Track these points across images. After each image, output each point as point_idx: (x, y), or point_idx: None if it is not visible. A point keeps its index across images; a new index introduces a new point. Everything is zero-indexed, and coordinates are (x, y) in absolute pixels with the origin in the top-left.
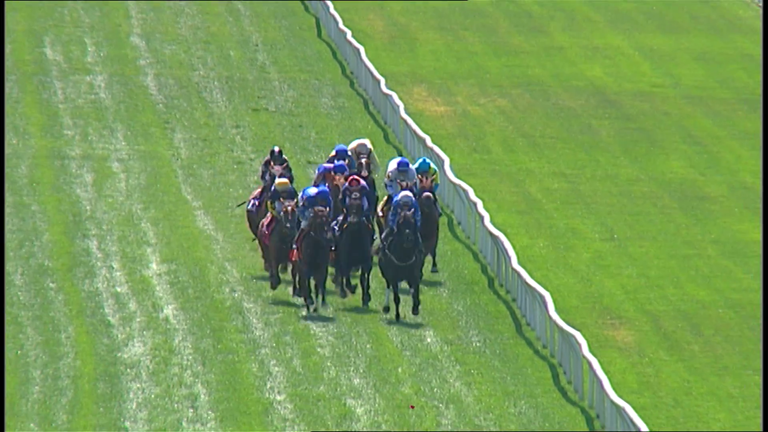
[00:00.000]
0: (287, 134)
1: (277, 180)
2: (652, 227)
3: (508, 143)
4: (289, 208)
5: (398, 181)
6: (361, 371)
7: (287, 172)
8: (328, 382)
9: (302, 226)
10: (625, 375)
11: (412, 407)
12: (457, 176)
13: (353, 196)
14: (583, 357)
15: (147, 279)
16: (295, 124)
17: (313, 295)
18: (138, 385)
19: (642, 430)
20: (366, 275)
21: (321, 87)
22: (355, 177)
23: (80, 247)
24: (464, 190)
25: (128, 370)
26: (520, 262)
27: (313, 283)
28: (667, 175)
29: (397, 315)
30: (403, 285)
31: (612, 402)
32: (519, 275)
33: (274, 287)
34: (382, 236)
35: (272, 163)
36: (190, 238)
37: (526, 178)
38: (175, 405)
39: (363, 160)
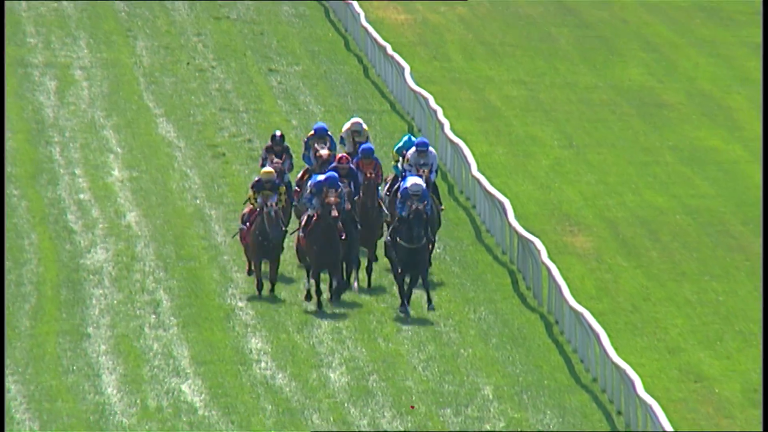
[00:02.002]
0: (249, 42)
1: (263, 169)
2: (610, 134)
3: (467, 51)
4: (273, 213)
5: (413, 167)
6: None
7: (288, 159)
8: (289, 288)
9: (309, 212)
10: (584, 281)
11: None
12: (417, 84)
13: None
14: (542, 263)
15: (109, 186)
16: (257, 32)
17: (322, 287)
18: (101, 291)
19: (600, 335)
20: (348, 270)
21: None
22: (346, 155)
23: (43, 155)
24: (424, 98)
25: (91, 276)
26: (479, 169)
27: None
28: (625, 83)
29: (407, 305)
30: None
31: (570, 308)
32: (479, 182)
33: (259, 291)
34: (390, 228)
35: (275, 148)
36: (152, 145)
37: (485, 86)
38: (138, 311)
39: (356, 139)
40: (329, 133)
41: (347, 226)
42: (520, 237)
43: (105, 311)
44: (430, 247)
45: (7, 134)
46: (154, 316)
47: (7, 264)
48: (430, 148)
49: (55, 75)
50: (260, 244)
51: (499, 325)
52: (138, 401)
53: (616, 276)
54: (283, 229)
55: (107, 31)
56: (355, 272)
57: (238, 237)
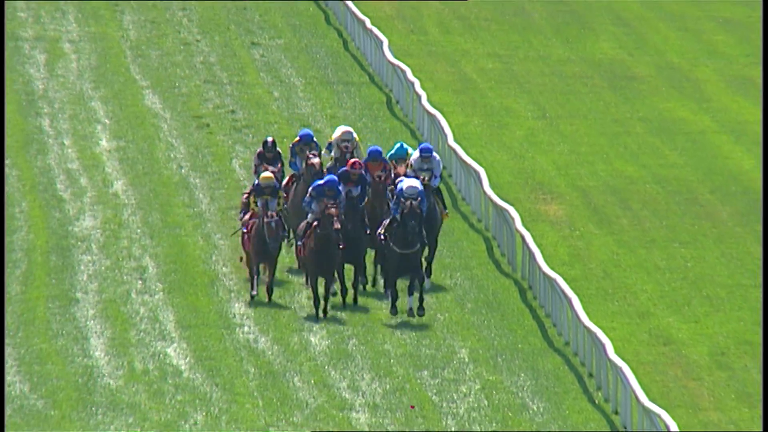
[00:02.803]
0: (232, 16)
1: (263, 174)
2: (582, 106)
3: (444, 25)
4: (273, 224)
5: (417, 172)
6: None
7: (281, 165)
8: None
9: (308, 220)
10: (557, 248)
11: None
12: (395, 57)
13: (350, 190)
14: (516, 231)
15: (97, 156)
16: (240, 6)
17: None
18: (89, 258)
19: (572, 300)
20: (356, 275)
21: None
22: (358, 160)
23: (33, 125)
24: (402, 71)
25: (79, 243)
26: (455, 140)
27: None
28: (597, 56)
29: (393, 307)
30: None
31: (544, 273)
32: (455, 152)
33: (252, 297)
34: (383, 226)
35: (267, 156)
36: (138, 116)
37: (461, 59)
38: (125, 277)
39: (347, 155)
40: (314, 139)
41: (356, 230)
42: (495, 205)
43: (93, 277)
44: (429, 252)
45: None
46: (140, 282)
47: None
48: (434, 154)
49: (44, 48)
50: (259, 249)
51: (474, 291)
52: (125, 364)
53: (588, 243)
54: (284, 235)
55: (95, 6)
56: (362, 276)
57: (239, 240)
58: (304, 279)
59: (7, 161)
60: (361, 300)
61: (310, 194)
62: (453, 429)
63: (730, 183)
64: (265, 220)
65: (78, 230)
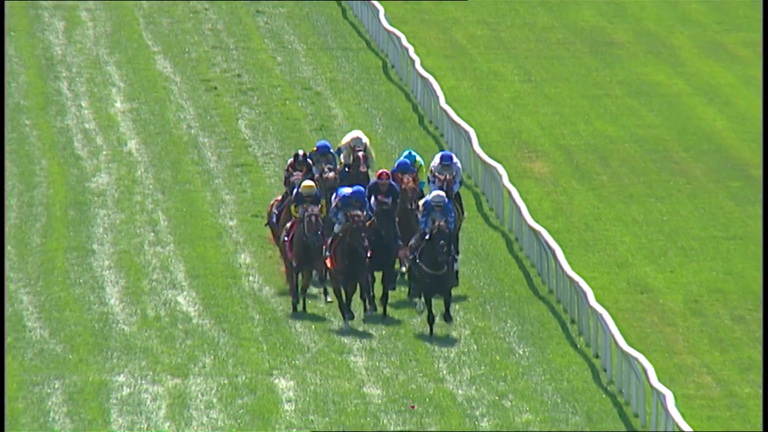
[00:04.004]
0: None
1: (303, 183)
2: (565, 70)
3: None
4: (313, 218)
5: (438, 176)
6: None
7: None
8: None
9: (335, 230)
10: (541, 202)
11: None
12: (390, 24)
13: (384, 202)
14: (504, 186)
15: (112, 116)
16: None
17: (349, 308)
18: (104, 212)
19: (556, 251)
20: (386, 281)
21: None
22: (386, 171)
23: (52, 88)
24: (397, 37)
25: (96, 198)
26: (447, 102)
27: (345, 293)
28: (578, 23)
29: (431, 331)
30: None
31: (529, 227)
32: (446, 113)
33: (294, 306)
34: (411, 243)
35: (301, 168)
36: (150, 79)
37: (452, 26)
38: (138, 230)
39: (359, 154)
40: (332, 150)
41: (389, 237)
42: (484, 163)
43: (108, 230)
44: (455, 264)
45: (20, 69)
46: (152, 234)
47: (20, 187)
48: (455, 160)
49: (63, 16)
50: (301, 255)
51: (464, 242)
52: (138, 311)
53: (570, 198)
54: (323, 236)
55: None
56: (391, 284)
57: (278, 252)
58: (332, 291)
59: (28, 122)
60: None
61: (336, 204)
62: (444, 371)
63: (703, 142)
64: (306, 213)
65: (94, 186)
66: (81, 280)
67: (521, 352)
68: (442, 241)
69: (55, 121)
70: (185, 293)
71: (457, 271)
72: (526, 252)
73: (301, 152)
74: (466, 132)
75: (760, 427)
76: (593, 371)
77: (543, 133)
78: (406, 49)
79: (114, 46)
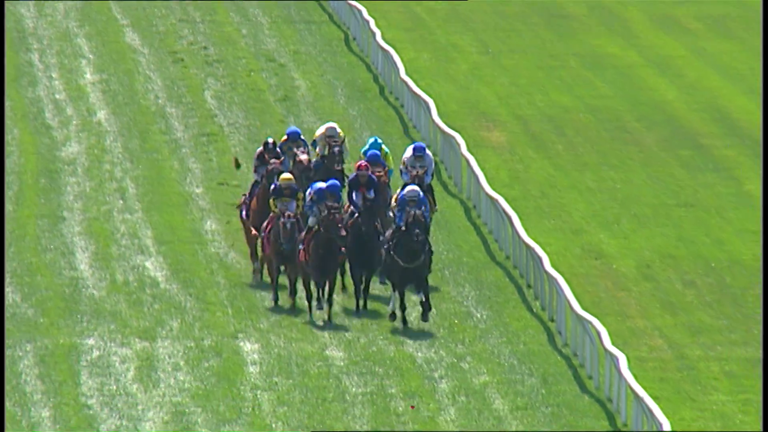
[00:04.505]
0: None
1: (282, 175)
2: (521, 42)
3: None
4: (288, 225)
5: (411, 170)
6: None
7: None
8: (240, 176)
9: (310, 224)
10: (498, 171)
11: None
12: None
13: (365, 196)
14: (462, 155)
15: (82, 87)
16: None
17: (322, 300)
18: (74, 180)
19: (513, 218)
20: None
21: None
22: (365, 163)
23: (24, 60)
24: (358, 10)
25: (66, 166)
26: (407, 73)
27: (315, 287)
28: None
29: (404, 320)
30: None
31: (487, 194)
32: (406, 84)
33: (275, 301)
34: (386, 235)
35: (266, 156)
36: (119, 51)
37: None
38: (107, 197)
39: (336, 149)
40: (302, 137)
41: (371, 234)
42: (443, 132)
43: (78, 197)
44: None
45: None
46: (121, 202)
47: None
48: (427, 152)
49: None
50: (279, 252)
51: None
52: (107, 276)
53: (527, 166)
54: (299, 238)
55: None
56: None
57: (259, 246)
58: (302, 284)
59: None
60: None
61: (311, 198)
62: (404, 334)
63: (655, 112)
64: (281, 220)
65: (65, 155)
66: (52, 246)
67: (479, 316)
68: (417, 230)
69: (27, 91)
70: (153, 259)
71: (430, 262)
72: (483, 219)
73: (270, 140)
74: (426, 102)
75: (710, 387)
76: (549, 334)
77: (500, 103)
78: (367, 22)
79: (84, 19)
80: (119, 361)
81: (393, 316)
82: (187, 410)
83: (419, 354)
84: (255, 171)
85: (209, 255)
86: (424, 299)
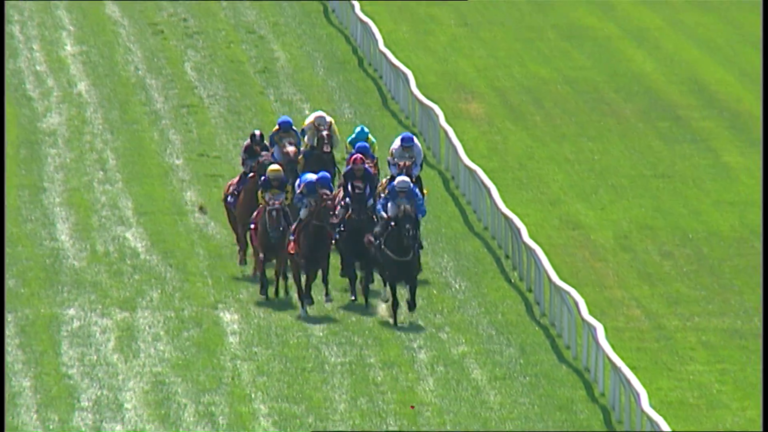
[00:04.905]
0: None
1: (270, 167)
2: (499, 14)
3: None
4: (274, 213)
5: (398, 160)
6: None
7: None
8: (219, 147)
9: (301, 216)
10: (477, 142)
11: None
12: None
13: (357, 186)
14: (441, 127)
15: (63, 59)
16: None
17: (311, 293)
18: (55, 151)
19: (491, 189)
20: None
21: None
22: (360, 155)
23: (5, 31)
24: None
25: (47, 137)
26: (386, 45)
27: (306, 279)
28: None
29: (395, 321)
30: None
31: (465, 165)
32: (385, 56)
33: (265, 293)
34: (376, 229)
35: (256, 149)
36: (99, 23)
37: None
38: (88, 168)
39: (324, 133)
40: (294, 127)
41: (363, 225)
42: (421, 104)
43: (59, 168)
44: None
45: None
46: (101, 173)
47: None
48: (416, 142)
49: None
50: (266, 244)
51: None
52: (88, 247)
53: (505, 138)
54: (286, 227)
55: None
56: (369, 274)
57: (249, 236)
58: (292, 278)
59: None
60: None
61: (301, 190)
62: (383, 304)
63: (633, 83)
64: (267, 208)
65: (45, 126)
66: (32, 217)
67: (457, 287)
68: (407, 225)
69: (8, 63)
70: (133, 229)
71: (419, 257)
72: (462, 190)
73: (258, 132)
74: (404, 74)
75: (687, 358)
76: (527, 305)
77: (478, 75)
78: None
79: None
80: (100, 331)
81: (387, 301)
82: (167, 380)
83: (398, 324)
84: (243, 164)
85: (189, 226)
86: (409, 296)
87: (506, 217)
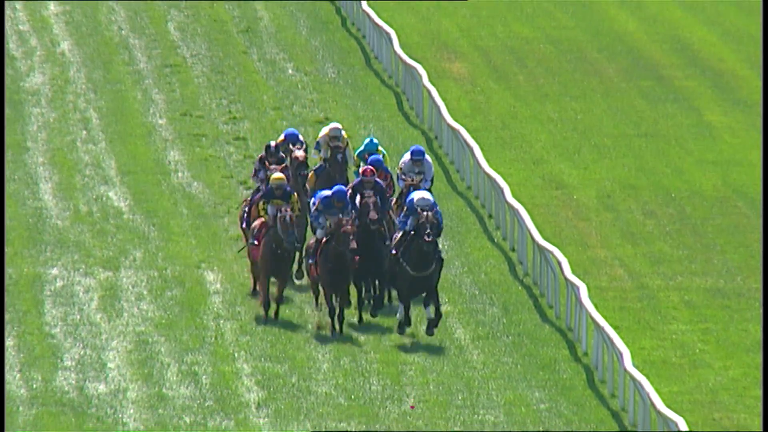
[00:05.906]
0: None
1: (273, 174)
2: None
3: None
4: (287, 217)
5: (408, 175)
6: (229, 92)
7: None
8: (203, 106)
9: (318, 236)
10: (460, 102)
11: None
12: None
13: (366, 194)
14: (424, 86)
15: (46, 18)
16: None
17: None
18: (38, 110)
19: (474, 148)
20: (382, 287)
21: None
22: (371, 168)
23: None
24: None
25: (30, 97)
26: (369, 4)
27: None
28: None
29: (402, 331)
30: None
31: (448, 125)
32: (368, 15)
33: (266, 312)
34: (394, 242)
35: (267, 163)
36: None
37: None
38: (71, 128)
39: (338, 156)
40: (300, 138)
41: (375, 240)
42: (405, 63)
43: (42, 128)
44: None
45: None
46: (85, 132)
47: None
48: (426, 157)
49: None
50: (273, 253)
51: (386, 140)
52: (71, 206)
53: (488, 97)
54: (297, 242)
55: None
56: (386, 287)
57: (246, 253)
58: (314, 302)
59: None
60: None
61: (317, 207)
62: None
63: (616, 43)
64: (279, 214)
65: (29, 85)
66: (16, 177)
67: (440, 246)
68: (428, 230)
69: None
70: (116, 189)
71: (440, 273)
72: (445, 149)
73: (273, 143)
74: (387, 34)
75: (669, 317)
76: (510, 264)
77: (462, 34)
78: None
79: None
80: (83, 290)
81: (402, 328)
82: (150, 339)
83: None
84: (254, 175)
85: (172, 185)
86: (432, 315)
87: (489, 177)
